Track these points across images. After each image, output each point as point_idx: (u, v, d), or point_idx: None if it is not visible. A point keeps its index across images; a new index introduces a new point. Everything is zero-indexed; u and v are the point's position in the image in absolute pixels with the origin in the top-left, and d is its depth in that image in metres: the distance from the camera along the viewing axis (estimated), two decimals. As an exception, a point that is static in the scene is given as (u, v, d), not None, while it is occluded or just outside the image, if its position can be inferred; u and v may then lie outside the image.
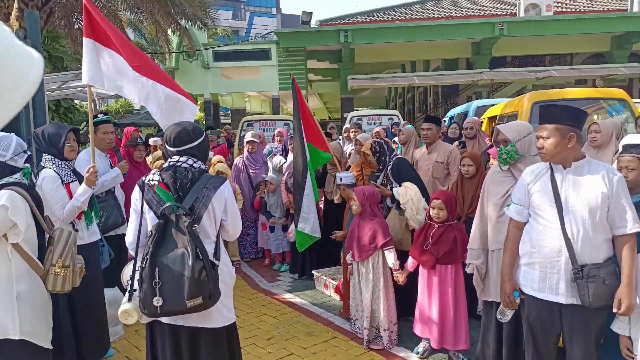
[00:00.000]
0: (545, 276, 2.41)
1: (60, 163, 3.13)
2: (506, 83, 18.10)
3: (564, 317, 2.42)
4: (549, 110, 2.44)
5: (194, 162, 2.28)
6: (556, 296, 2.39)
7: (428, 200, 3.82)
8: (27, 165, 2.42)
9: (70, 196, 3.09)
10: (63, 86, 6.20)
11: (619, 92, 6.18)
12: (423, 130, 4.96)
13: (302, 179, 4.47)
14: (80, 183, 3.14)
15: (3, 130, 2.33)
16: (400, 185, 4.02)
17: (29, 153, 2.41)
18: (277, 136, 7.51)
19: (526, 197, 2.52)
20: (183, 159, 2.27)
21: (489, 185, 3.10)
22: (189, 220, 2.13)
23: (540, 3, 17.75)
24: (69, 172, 3.18)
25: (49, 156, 3.11)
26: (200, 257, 2.10)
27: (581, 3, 19.95)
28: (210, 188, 2.26)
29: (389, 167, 4.18)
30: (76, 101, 12.26)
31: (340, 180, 4.43)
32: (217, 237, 2.33)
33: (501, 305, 2.65)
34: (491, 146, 4.84)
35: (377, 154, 4.26)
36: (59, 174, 3.08)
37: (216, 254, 2.27)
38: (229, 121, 21.36)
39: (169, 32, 14.96)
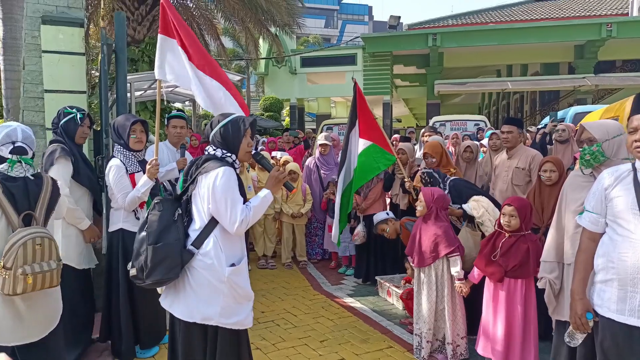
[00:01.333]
0: (625, 295, 2.05)
1: (127, 153, 3.31)
2: (614, 90, 16.40)
3: None
4: None
5: (215, 149, 2.33)
6: (638, 320, 2.03)
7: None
8: (12, 156, 2.31)
9: (134, 186, 3.25)
10: (153, 85, 6.64)
11: None
12: (503, 134, 4.58)
13: (339, 180, 4.73)
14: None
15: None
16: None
17: (19, 144, 2.34)
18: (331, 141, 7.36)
19: (603, 203, 2.17)
20: (211, 148, 2.36)
21: (567, 191, 2.75)
22: (169, 199, 2.32)
23: (658, 1, 15.91)
24: (135, 163, 3.35)
25: (118, 146, 3.30)
26: (145, 229, 2.21)
27: None
28: (204, 172, 2.25)
29: (447, 192, 3.95)
30: (177, 103, 13.19)
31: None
32: (208, 226, 2.26)
33: (570, 328, 2.30)
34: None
35: (430, 184, 4.07)
36: (124, 164, 3.25)
37: (196, 242, 2.25)
38: (314, 126, 21.72)
39: (260, 39, 15.57)
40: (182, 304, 2.26)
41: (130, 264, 2.27)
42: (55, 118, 3.44)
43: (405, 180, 4.58)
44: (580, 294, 2.22)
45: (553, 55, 16.97)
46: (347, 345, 3.74)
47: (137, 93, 7.13)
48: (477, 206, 3.65)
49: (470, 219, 3.74)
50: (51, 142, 3.38)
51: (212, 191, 2.20)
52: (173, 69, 3.37)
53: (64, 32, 4.14)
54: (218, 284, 2.23)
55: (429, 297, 3.47)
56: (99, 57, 4.40)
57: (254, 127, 2.45)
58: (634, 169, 2.11)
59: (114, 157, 3.32)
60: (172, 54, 3.44)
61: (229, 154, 2.33)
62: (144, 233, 2.23)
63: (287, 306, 4.63)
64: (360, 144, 4.62)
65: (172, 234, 2.22)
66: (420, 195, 3.61)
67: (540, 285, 2.87)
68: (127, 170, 3.27)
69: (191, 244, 2.26)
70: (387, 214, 4.52)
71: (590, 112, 7.64)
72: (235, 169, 2.33)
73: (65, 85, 4.19)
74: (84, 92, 4.26)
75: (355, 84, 4.71)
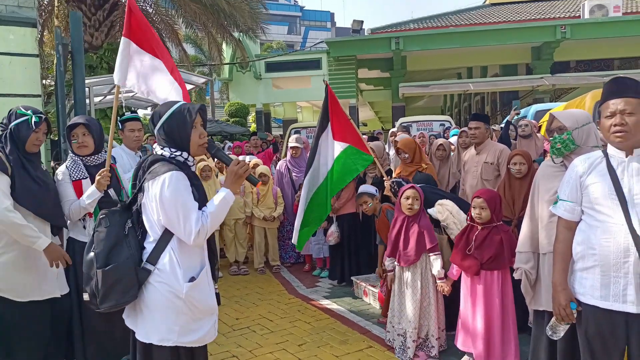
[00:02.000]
0: (609, 281, 2.04)
1: (76, 158, 3.05)
2: (570, 89, 17.05)
3: (631, 330, 2.03)
4: (630, 82, 2.07)
5: (162, 148, 2.03)
6: (623, 305, 2.01)
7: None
8: None
9: (79, 194, 2.97)
10: (112, 90, 6.40)
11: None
12: (470, 130, 4.64)
13: (304, 185, 4.56)
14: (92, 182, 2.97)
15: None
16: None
17: None
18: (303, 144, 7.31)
19: (578, 191, 2.17)
20: (158, 147, 2.08)
21: (539, 181, 2.76)
22: (117, 211, 2.07)
23: (606, 4, 16.64)
24: (82, 169, 3.04)
25: (69, 151, 3.08)
26: (93, 249, 1.96)
27: (654, 2, 18.55)
28: (150, 178, 1.95)
29: None
30: (139, 110, 12.79)
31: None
32: (163, 239, 1.97)
33: (552, 320, 2.27)
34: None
35: (397, 195, 4.06)
36: (69, 170, 3.00)
37: (151, 258, 1.97)
38: (281, 132, 21.59)
39: (223, 44, 15.38)
40: (140, 323, 2.01)
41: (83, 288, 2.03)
42: (4, 118, 2.89)
43: (385, 178, 4.53)
44: (563, 284, 2.20)
45: (511, 57, 17.51)
46: (327, 348, 3.66)
47: (97, 99, 6.86)
48: (441, 210, 3.64)
49: (436, 224, 3.73)
50: None
51: (160, 201, 1.90)
52: (135, 74, 3.20)
53: (15, 33, 3.92)
54: (176, 301, 1.96)
55: (414, 296, 3.43)
56: (55, 64, 4.16)
57: (205, 115, 2.10)
58: (606, 155, 2.12)
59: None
60: (134, 57, 3.29)
61: (178, 153, 2.01)
62: (92, 254, 1.97)
63: (263, 311, 4.51)
64: (337, 147, 4.49)
65: (123, 253, 1.96)
66: (411, 192, 3.51)
67: (516, 276, 2.87)
68: (70, 176, 3.00)
69: (146, 260, 1.97)
70: (376, 191, 4.42)
71: (550, 109, 7.86)
72: (189, 167, 2.04)
73: (18, 88, 3.96)
74: (38, 96, 4.04)
75: (327, 85, 4.64)
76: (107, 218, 2.04)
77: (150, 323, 1.98)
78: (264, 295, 5.02)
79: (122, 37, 3.31)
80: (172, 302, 1.96)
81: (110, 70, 10.69)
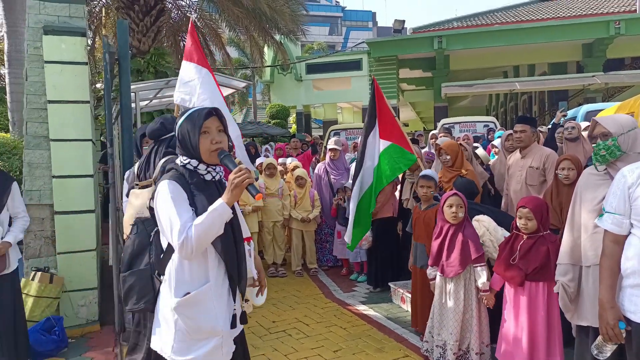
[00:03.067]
0: None
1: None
2: (624, 87, 16.16)
3: None
4: None
5: (179, 156, 2.03)
6: None
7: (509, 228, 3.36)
8: None
9: None
10: (158, 95, 6.59)
11: None
12: (516, 133, 4.45)
13: (355, 188, 4.59)
14: None
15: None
16: None
17: None
18: (353, 146, 7.40)
19: (627, 203, 2.04)
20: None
21: (582, 190, 2.62)
22: (149, 218, 2.08)
23: (666, -4, 15.69)
24: None
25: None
26: (123, 254, 2.09)
27: None
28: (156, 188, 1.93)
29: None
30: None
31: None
32: (169, 249, 1.92)
33: (599, 338, 2.14)
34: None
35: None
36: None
37: (160, 267, 1.96)
38: (321, 133, 21.66)
39: (265, 46, 15.58)
40: (153, 330, 2.01)
41: None
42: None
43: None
44: (611, 302, 2.07)
45: (561, 55, 16.79)
46: (362, 355, 3.61)
47: (143, 103, 7.09)
48: (478, 226, 3.51)
49: None
50: None
51: (155, 211, 1.89)
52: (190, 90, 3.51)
53: (66, 42, 4.09)
54: (171, 315, 1.90)
55: (456, 307, 3.33)
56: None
57: (222, 119, 1.97)
58: None
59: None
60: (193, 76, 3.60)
61: (187, 160, 1.93)
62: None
63: (299, 315, 4.51)
64: (382, 145, 4.51)
65: (144, 259, 2.01)
66: (455, 200, 3.40)
67: (555, 289, 2.74)
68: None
69: (157, 270, 1.98)
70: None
71: (601, 109, 7.47)
72: (199, 176, 1.94)
73: (69, 95, 4.14)
74: (87, 102, 4.21)
75: (374, 82, 4.63)
76: (137, 225, 2.11)
77: (157, 331, 1.98)
78: (301, 298, 5.03)
79: (183, 61, 3.61)
80: (169, 315, 1.91)
81: (157, 74, 11.05)
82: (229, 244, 1.94)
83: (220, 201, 1.83)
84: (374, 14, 68.80)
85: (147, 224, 2.10)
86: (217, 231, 1.84)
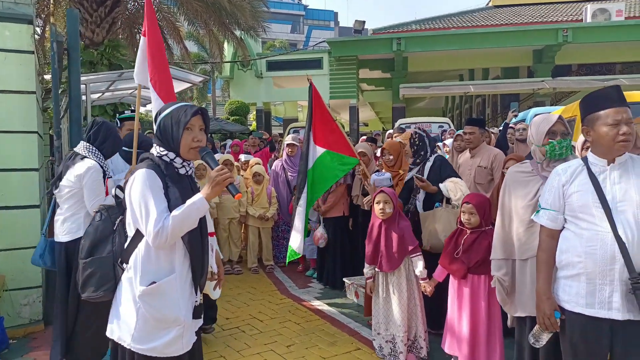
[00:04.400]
0: (594, 289, 2.05)
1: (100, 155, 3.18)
2: (571, 93, 17.02)
3: (616, 337, 2.04)
4: (621, 92, 2.08)
5: (156, 146, 2.07)
6: (609, 311, 2.03)
7: None
8: None
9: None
10: (111, 87, 6.41)
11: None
12: (465, 134, 4.64)
13: (299, 192, 4.27)
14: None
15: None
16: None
17: None
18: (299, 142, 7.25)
19: (561, 200, 2.17)
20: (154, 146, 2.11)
21: (511, 187, 2.75)
22: (113, 206, 2.18)
23: (609, 8, 16.61)
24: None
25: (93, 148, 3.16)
26: (82, 240, 2.14)
27: (657, 7, 18.48)
28: (130, 176, 1.99)
29: (428, 164, 3.91)
30: (143, 107, 12.84)
31: (374, 184, 4.19)
32: (135, 238, 1.94)
33: (536, 328, 2.28)
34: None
35: (415, 147, 4.01)
36: (102, 167, 3.13)
37: (124, 256, 1.97)
38: (282, 130, 21.61)
39: (225, 42, 15.38)
40: (110, 318, 2.02)
41: None
42: None
43: (365, 183, 4.49)
44: (547, 293, 2.21)
45: (513, 60, 17.49)
46: (315, 349, 3.67)
47: (95, 96, 6.87)
48: (453, 188, 3.58)
49: (447, 201, 3.71)
50: None
51: (128, 198, 1.91)
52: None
53: (11, 29, 3.92)
54: (133, 304, 1.92)
55: (401, 299, 3.43)
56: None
57: (207, 119, 2.04)
58: (586, 163, 2.13)
59: (86, 157, 3.12)
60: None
61: (164, 152, 1.96)
62: (81, 244, 2.09)
63: (253, 312, 4.52)
64: (318, 151, 4.37)
65: (106, 248, 2.03)
66: (382, 197, 3.52)
67: (492, 283, 2.88)
68: (105, 174, 3.14)
69: (121, 258, 1.99)
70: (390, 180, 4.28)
71: (549, 112, 7.85)
72: (174, 168, 1.98)
73: (13, 85, 3.96)
74: (33, 93, 4.04)
75: (311, 84, 4.46)
76: (101, 212, 2.12)
77: (115, 319, 1.98)
78: (256, 295, 5.04)
79: (142, 37, 3.46)
80: (130, 303, 1.93)
81: (111, 66, 10.71)
82: (196, 238, 1.99)
83: (199, 195, 1.90)
84: (335, 14, 69.17)
85: (112, 212, 2.14)
86: (192, 224, 1.90)
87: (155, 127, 2.02)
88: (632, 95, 5.52)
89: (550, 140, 2.60)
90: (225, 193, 5.76)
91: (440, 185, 3.69)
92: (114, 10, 11.18)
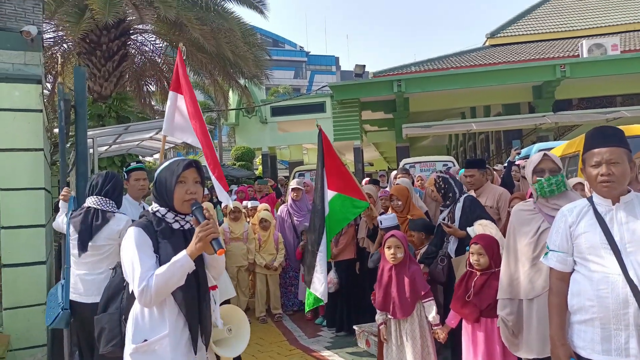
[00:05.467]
0: (609, 335, 1.97)
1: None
2: (574, 126, 17.09)
3: None
4: (612, 131, 2.08)
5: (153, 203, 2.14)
6: (626, 358, 1.94)
7: None
8: None
9: None
10: (118, 140, 6.53)
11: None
12: (466, 177, 4.64)
13: (318, 235, 4.25)
14: None
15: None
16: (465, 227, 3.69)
17: None
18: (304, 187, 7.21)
19: (569, 241, 2.13)
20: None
21: (516, 226, 2.74)
22: None
23: (604, 42, 16.94)
24: None
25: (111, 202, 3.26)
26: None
27: (652, 40, 18.84)
28: None
29: (459, 205, 3.89)
30: (147, 158, 13.02)
31: (381, 224, 4.17)
32: (132, 294, 1.93)
33: None
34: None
35: (443, 190, 4.01)
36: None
37: (125, 312, 2.01)
38: (287, 174, 21.75)
39: (230, 90, 15.76)
40: None
41: None
42: None
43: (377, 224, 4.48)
44: (561, 339, 2.13)
45: (513, 96, 17.69)
46: (325, 402, 3.53)
47: (102, 148, 6.99)
48: (482, 231, 3.52)
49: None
50: None
51: (121, 257, 1.96)
52: (180, 125, 3.52)
53: (20, 89, 4.05)
54: None
55: (414, 347, 3.34)
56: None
57: (201, 172, 2.05)
58: (592, 203, 2.11)
59: (116, 212, 3.20)
60: (180, 110, 3.61)
61: (157, 208, 2.02)
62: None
63: (262, 364, 4.40)
64: (329, 195, 4.43)
65: (115, 304, 2.06)
66: (393, 241, 3.48)
67: (497, 323, 2.83)
68: None
69: (124, 315, 2.02)
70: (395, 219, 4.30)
71: (553, 147, 7.86)
72: (167, 224, 1.99)
73: (21, 143, 4.05)
74: (40, 150, 4.12)
75: (320, 130, 4.62)
76: (116, 269, 2.17)
77: None
78: (264, 346, 4.91)
79: (170, 92, 3.63)
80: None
81: (119, 119, 10.96)
82: (189, 294, 1.94)
83: (183, 253, 1.87)
84: (337, 59, 71.03)
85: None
86: (177, 282, 1.87)
87: (152, 184, 2.10)
88: (630, 129, 5.53)
89: (538, 179, 2.62)
90: (234, 240, 5.77)
91: (468, 229, 3.64)
92: (122, 64, 11.57)
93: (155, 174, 2.04)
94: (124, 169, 4.04)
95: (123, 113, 11.09)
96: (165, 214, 2.00)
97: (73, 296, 3.13)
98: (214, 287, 2.27)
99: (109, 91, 11.22)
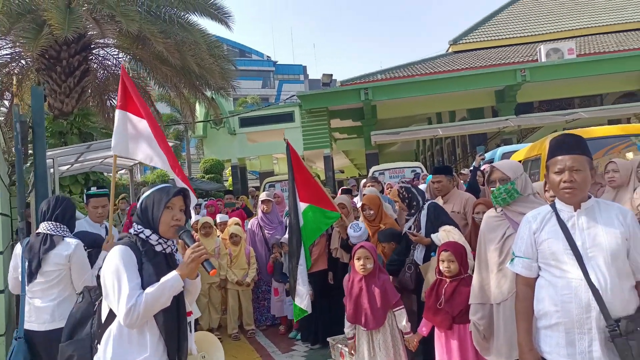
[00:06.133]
0: (573, 339, 2.01)
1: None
2: (535, 128, 17.65)
3: None
4: (574, 139, 2.15)
5: (135, 224, 2.13)
6: None
7: None
8: None
9: None
10: (80, 158, 6.35)
11: (648, 127, 5.80)
12: (434, 184, 4.71)
13: (296, 248, 4.27)
14: None
15: None
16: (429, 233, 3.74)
17: None
18: (275, 198, 7.19)
19: (533, 247, 2.18)
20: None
21: (485, 233, 2.81)
22: (95, 286, 2.18)
23: (561, 47, 17.60)
24: None
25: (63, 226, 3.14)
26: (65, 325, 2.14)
27: (605, 44, 19.67)
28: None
29: (423, 212, 3.93)
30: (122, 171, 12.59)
31: (353, 232, 4.20)
32: (109, 318, 1.94)
33: None
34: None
35: (407, 200, 4.05)
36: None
37: (98, 336, 1.96)
38: (258, 184, 21.61)
39: (196, 103, 15.58)
40: None
41: None
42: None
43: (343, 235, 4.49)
44: (529, 344, 2.16)
45: (477, 101, 18.16)
46: (301, 420, 3.49)
47: (64, 167, 6.78)
48: (446, 237, 3.57)
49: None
50: None
51: (102, 275, 1.92)
52: (134, 143, 3.51)
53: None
54: None
55: (388, 357, 3.34)
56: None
57: (188, 201, 2.13)
58: (554, 210, 2.16)
59: (65, 237, 3.09)
60: (132, 127, 3.51)
61: (141, 229, 2.03)
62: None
63: (236, 383, 4.32)
64: (301, 207, 4.48)
65: (84, 330, 2.00)
66: (362, 252, 3.49)
67: (469, 327, 2.88)
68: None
69: (96, 339, 1.97)
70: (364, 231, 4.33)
71: (516, 150, 8.08)
72: (151, 245, 2.01)
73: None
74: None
75: (288, 144, 4.63)
76: (84, 294, 2.12)
77: None
78: (238, 363, 4.83)
79: (117, 110, 3.59)
80: None
81: (81, 135, 10.67)
82: (171, 318, 1.95)
83: (174, 273, 1.91)
84: (304, 68, 71.33)
85: (94, 293, 2.11)
86: (165, 302, 1.88)
87: (137, 206, 2.10)
88: (589, 132, 5.76)
89: (492, 189, 2.71)
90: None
91: (432, 236, 3.69)
92: (84, 80, 11.30)
93: (142, 199, 2.08)
94: (85, 192, 3.92)
95: (86, 129, 10.82)
96: (150, 235, 2.02)
97: (27, 325, 3.01)
98: (190, 313, 2.26)
99: (71, 107, 10.92)
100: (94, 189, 3.79)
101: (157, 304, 1.86)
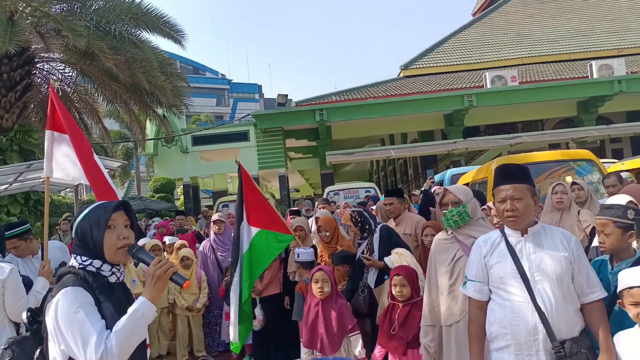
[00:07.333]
0: None
1: None
2: (482, 151, 18.44)
3: None
4: (516, 169, 2.25)
5: (75, 257, 1.80)
6: None
7: None
8: None
9: None
10: (19, 178, 6.00)
11: (586, 153, 6.18)
12: (386, 206, 4.79)
13: (231, 276, 4.13)
14: None
15: None
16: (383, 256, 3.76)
17: None
18: (228, 218, 7.05)
19: (484, 271, 2.25)
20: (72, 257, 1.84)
21: (435, 254, 2.87)
22: (26, 337, 1.90)
23: (504, 75, 18.57)
24: None
25: None
26: None
27: (544, 73, 20.94)
28: (49, 299, 1.71)
29: (376, 235, 3.95)
30: (62, 192, 11.93)
31: (298, 257, 4.16)
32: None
33: None
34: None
35: (360, 224, 4.07)
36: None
37: None
38: (211, 203, 21.19)
39: (147, 120, 15.18)
40: None
41: None
42: None
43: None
44: None
45: (427, 124, 18.80)
46: None
47: (1, 187, 6.38)
48: (398, 260, 3.58)
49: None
50: None
51: (53, 324, 1.62)
52: (64, 164, 3.40)
53: None
54: None
55: None
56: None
57: (131, 215, 1.83)
58: (504, 235, 2.25)
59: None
60: (61, 149, 3.40)
61: (88, 262, 1.72)
62: None
63: (185, 414, 4.13)
64: (252, 232, 4.30)
65: None
66: (320, 275, 3.47)
67: (419, 350, 2.91)
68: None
69: None
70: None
71: (464, 173, 8.38)
72: (104, 278, 1.73)
73: None
74: None
75: (240, 165, 4.50)
76: (12, 349, 1.79)
77: None
78: (188, 393, 4.64)
79: (46, 130, 3.52)
80: None
81: (22, 152, 10.12)
82: (140, 352, 1.74)
83: (142, 299, 1.65)
84: (259, 87, 71.50)
85: (26, 345, 1.80)
86: (140, 336, 1.65)
87: (72, 235, 1.80)
88: (532, 157, 6.07)
89: (444, 212, 2.79)
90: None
91: (385, 259, 3.71)
92: (26, 94, 10.80)
93: (75, 225, 1.77)
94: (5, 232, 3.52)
95: (27, 146, 10.29)
96: (101, 266, 1.73)
97: None
98: (148, 345, 2.09)
99: (11, 123, 10.38)
100: (13, 231, 3.53)
101: (133, 340, 1.62)
